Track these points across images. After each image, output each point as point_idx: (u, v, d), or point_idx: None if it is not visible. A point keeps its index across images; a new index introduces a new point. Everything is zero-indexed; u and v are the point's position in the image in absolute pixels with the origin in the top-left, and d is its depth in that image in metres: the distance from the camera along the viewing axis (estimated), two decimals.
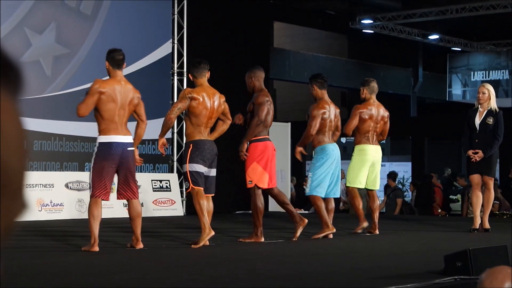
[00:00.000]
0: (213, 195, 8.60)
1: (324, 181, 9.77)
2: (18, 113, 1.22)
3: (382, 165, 22.48)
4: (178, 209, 14.34)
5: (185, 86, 15.33)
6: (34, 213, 12.71)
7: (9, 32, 13.24)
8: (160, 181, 14.73)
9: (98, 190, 7.74)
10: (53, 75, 13.76)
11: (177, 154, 15.32)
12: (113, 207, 12.78)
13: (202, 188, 8.43)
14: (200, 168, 8.48)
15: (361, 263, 7.21)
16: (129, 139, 7.91)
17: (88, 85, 14.02)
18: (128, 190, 7.93)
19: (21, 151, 1.18)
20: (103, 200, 7.83)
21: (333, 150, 9.83)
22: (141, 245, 7.88)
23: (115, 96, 7.83)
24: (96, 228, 7.64)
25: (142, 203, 14.18)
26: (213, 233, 8.18)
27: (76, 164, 13.87)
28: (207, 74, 8.62)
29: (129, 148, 7.87)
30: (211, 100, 8.49)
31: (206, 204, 8.38)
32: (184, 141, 9.21)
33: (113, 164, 7.79)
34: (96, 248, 7.59)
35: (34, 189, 12.81)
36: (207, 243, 8.27)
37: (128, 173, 7.89)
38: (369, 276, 6.05)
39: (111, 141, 7.77)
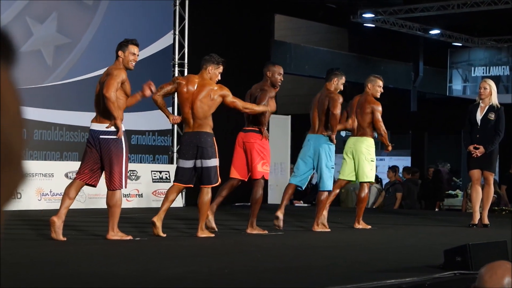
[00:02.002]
0: (208, 186, 8.54)
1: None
2: (14, 84, 1.22)
3: (381, 159, 22.49)
4: (177, 200, 14.32)
5: None
6: (34, 202, 12.72)
7: (11, 21, 13.22)
8: (160, 172, 14.74)
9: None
10: (54, 64, 13.75)
11: (177, 145, 15.32)
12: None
13: (178, 183, 8.60)
14: (180, 163, 8.64)
15: (360, 256, 7.22)
16: (97, 126, 7.90)
17: (89, 75, 14.14)
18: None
19: (20, 122, 1.18)
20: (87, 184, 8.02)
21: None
22: (109, 236, 7.92)
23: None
24: (62, 204, 7.88)
25: (142, 194, 14.20)
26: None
27: (76, 154, 13.86)
28: (204, 68, 8.63)
29: (101, 136, 7.86)
30: (193, 87, 8.54)
31: (173, 196, 8.58)
32: None
33: (92, 149, 7.91)
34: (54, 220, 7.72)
35: (34, 179, 12.81)
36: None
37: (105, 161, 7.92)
38: (368, 270, 6.05)
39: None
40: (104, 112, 7.85)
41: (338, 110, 9.58)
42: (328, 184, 9.72)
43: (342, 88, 9.96)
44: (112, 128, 7.85)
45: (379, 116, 10.31)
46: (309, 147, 9.78)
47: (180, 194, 14.55)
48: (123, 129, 7.93)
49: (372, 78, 10.62)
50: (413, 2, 23.06)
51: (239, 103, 8.66)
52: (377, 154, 10.73)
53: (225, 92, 8.59)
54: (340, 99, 9.73)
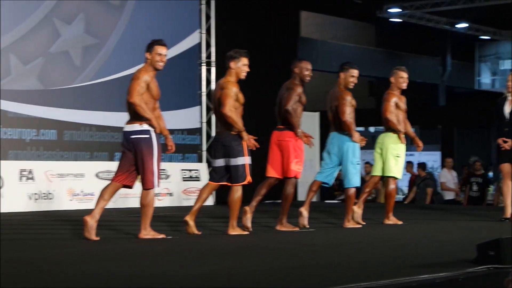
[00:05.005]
0: (237, 185, 8.53)
1: None
2: None
3: (411, 155, 22.40)
4: (208, 199, 14.37)
5: (213, 76, 15.36)
6: (65, 203, 12.80)
7: (38, 23, 13.32)
8: (190, 170, 14.79)
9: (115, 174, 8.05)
10: (82, 65, 13.83)
11: (206, 143, 15.36)
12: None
13: (210, 181, 8.74)
14: (213, 162, 8.77)
15: (393, 252, 7.20)
16: (129, 127, 7.93)
17: (118, 75, 14.20)
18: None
19: None
20: (124, 186, 8.02)
21: None
22: (142, 235, 7.95)
23: None
24: (97, 205, 7.87)
25: (172, 193, 14.25)
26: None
27: (106, 154, 13.96)
28: (227, 67, 8.62)
29: (132, 136, 7.89)
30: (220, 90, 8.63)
31: (206, 194, 8.69)
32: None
33: (126, 151, 7.96)
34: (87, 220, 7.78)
35: (65, 179, 12.90)
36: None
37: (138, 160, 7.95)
38: (401, 265, 6.04)
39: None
40: (134, 114, 7.88)
41: (346, 116, 9.52)
42: (354, 180, 9.69)
43: (352, 82, 9.72)
44: (144, 127, 7.87)
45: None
46: (333, 145, 9.77)
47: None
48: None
49: (394, 70, 10.51)
50: None
51: (226, 107, 8.41)
52: (406, 149, 10.62)
53: (224, 89, 8.51)
54: (347, 99, 9.60)
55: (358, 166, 9.75)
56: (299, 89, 9.21)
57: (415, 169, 18.53)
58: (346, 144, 9.64)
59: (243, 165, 8.52)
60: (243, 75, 8.60)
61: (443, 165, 18.88)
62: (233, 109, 8.43)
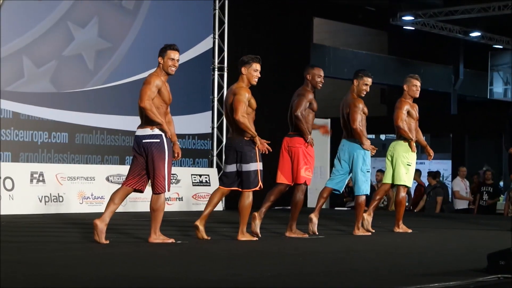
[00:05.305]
0: (248, 190, 8.52)
1: None
2: None
3: (421, 163, 22.35)
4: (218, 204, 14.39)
5: (225, 81, 15.38)
6: (75, 206, 12.83)
7: (52, 26, 13.37)
8: (200, 175, 14.80)
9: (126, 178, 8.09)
10: (96, 69, 13.87)
11: (216, 149, 15.37)
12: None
13: (220, 186, 8.74)
14: (224, 167, 8.77)
15: (402, 260, 7.18)
16: (141, 131, 7.95)
17: (130, 79, 14.24)
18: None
19: None
20: (135, 190, 8.02)
21: None
22: (151, 239, 7.97)
23: None
24: (107, 209, 7.88)
25: (182, 198, 14.26)
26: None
27: (117, 157, 13.98)
28: (240, 73, 8.62)
29: (144, 140, 7.91)
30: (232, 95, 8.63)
31: (216, 199, 8.67)
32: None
33: (137, 155, 7.99)
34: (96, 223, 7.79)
35: (75, 182, 12.93)
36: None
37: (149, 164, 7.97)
38: (411, 273, 6.02)
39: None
40: (146, 118, 7.90)
41: (356, 124, 9.51)
42: (364, 188, 9.68)
43: (365, 90, 9.73)
44: (156, 131, 7.89)
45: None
46: (344, 152, 9.77)
47: None
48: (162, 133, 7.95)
49: (407, 78, 10.49)
50: (454, 4, 22.91)
51: (238, 113, 8.40)
52: (417, 157, 10.60)
53: (236, 94, 8.49)
54: (359, 106, 9.59)
55: (368, 173, 9.74)
56: (310, 96, 9.20)
57: (424, 179, 18.44)
58: (357, 151, 9.64)
59: (255, 171, 8.51)
60: (254, 80, 8.59)
61: (456, 174, 18.81)
62: (245, 114, 8.42)
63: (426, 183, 18.02)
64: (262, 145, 8.54)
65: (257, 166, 8.51)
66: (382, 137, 26.33)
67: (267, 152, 8.58)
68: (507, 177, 18.75)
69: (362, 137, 9.58)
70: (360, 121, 9.59)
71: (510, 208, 15.35)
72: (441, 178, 20.18)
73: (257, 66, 8.58)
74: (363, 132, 9.65)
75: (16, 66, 12.95)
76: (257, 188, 8.53)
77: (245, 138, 8.48)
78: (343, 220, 12.09)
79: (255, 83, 8.60)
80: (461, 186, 17.73)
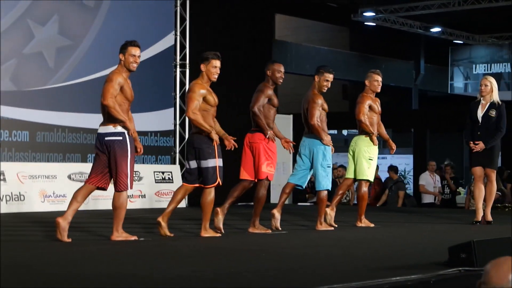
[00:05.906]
0: (208, 187, 8.51)
1: None
2: None
3: (383, 158, 22.47)
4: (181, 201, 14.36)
5: (187, 78, 15.35)
6: (37, 204, 12.74)
7: (12, 24, 13.24)
8: (163, 172, 14.76)
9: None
10: (56, 67, 13.77)
11: (179, 145, 15.34)
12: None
13: (184, 183, 8.72)
14: (186, 164, 8.75)
15: (365, 254, 7.23)
16: (103, 129, 7.93)
17: (91, 77, 14.16)
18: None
19: None
20: (98, 188, 8.01)
21: None
22: (114, 237, 7.97)
23: None
24: (70, 207, 7.88)
25: (144, 195, 14.22)
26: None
27: (79, 155, 13.90)
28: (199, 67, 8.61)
29: (106, 138, 7.89)
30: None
31: (180, 196, 8.67)
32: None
33: (100, 153, 7.97)
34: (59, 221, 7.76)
35: (37, 180, 12.83)
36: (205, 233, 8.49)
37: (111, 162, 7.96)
38: (373, 267, 6.06)
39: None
40: (108, 116, 7.86)
41: (314, 120, 9.54)
42: (324, 183, 9.70)
43: (325, 86, 9.74)
44: (118, 129, 7.86)
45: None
46: (305, 147, 9.80)
47: None
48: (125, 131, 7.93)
49: (369, 73, 10.56)
50: (414, 0, 23.06)
51: (189, 110, 8.42)
52: (379, 152, 10.69)
53: (189, 90, 8.52)
54: (318, 102, 9.60)
55: (329, 169, 9.78)
56: (269, 91, 9.22)
57: (379, 173, 18.46)
58: (317, 147, 9.67)
59: (214, 167, 8.47)
60: (213, 77, 8.56)
61: (418, 168, 18.96)
62: (196, 111, 8.37)
63: (385, 178, 18.16)
64: (229, 141, 8.55)
65: (216, 162, 8.46)
66: (344, 132, 26.44)
67: (233, 149, 8.59)
68: (468, 171, 18.90)
69: (320, 133, 9.61)
70: (318, 117, 9.61)
71: (471, 201, 15.49)
72: (403, 173, 20.33)
73: (216, 63, 8.56)
74: (322, 127, 9.68)
75: None
76: (215, 185, 8.50)
77: (204, 134, 8.46)
78: (306, 215, 12.14)
79: (214, 79, 8.57)
80: (428, 180, 17.85)
